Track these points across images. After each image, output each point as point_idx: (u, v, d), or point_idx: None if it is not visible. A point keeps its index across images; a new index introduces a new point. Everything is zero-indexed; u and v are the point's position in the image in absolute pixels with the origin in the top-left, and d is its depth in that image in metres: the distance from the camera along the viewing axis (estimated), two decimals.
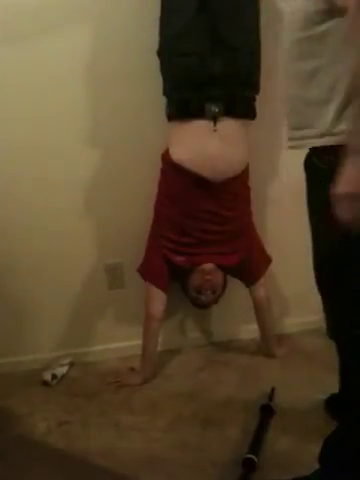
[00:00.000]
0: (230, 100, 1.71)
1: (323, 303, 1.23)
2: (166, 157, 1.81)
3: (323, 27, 1.03)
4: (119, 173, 1.97)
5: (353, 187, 0.96)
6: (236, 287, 2.01)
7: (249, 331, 2.18)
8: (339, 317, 1.19)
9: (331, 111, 1.06)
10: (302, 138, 1.15)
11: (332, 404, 1.73)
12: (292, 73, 1.16)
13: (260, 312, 2.04)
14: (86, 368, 2.11)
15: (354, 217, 0.99)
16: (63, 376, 2.05)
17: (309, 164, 1.18)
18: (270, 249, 2.03)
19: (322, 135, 1.09)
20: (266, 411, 1.74)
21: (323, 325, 2.11)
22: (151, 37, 1.72)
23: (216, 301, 1.95)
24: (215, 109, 1.70)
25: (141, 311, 1.93)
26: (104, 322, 2.16)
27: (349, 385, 1.22)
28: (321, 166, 1.10)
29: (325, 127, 1.08)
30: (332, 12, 1.00)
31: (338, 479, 1.26)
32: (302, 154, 1.87)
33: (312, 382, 1.88)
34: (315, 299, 2.13)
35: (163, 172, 1.85)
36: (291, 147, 1.21)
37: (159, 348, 2.02)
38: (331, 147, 1.05)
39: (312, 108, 1.10)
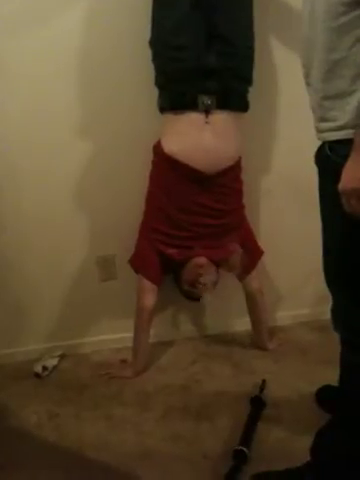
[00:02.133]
0: (223, 93, 1.70)
1: (332, 296, 1.21)
2: (158, 149, 1.79)
3: (345, 19, 1.00)
4: (112, 165, 1.95)
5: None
6: (229, 280, 2.01)
7: (242, 324, 2.17)
8: (345, 310, 1.17)
9: (354, 103, 1.03)
10: (323, 131, 1.12)
11: (323, 397, 1.73)
12: (316, 65, 1.12)
13: (253, 305, 2.03)
14: (77, 360, 2.10)
15: None
16: (54, 368, 2.04)
17: (322, 157, 1.15)
18: (262, 242, 2.02)
19: (342, 128, 1.06)
20: (257, 403, 1.74)
21: (316, 318, 2.21)
22: (144, 27, 1.70)
23: (209, 294, 1.93)
24: (208, 101, 1.68)
25: (133, 303, 1.92)
26: (96, 314, 2.15)
27: (349, 379, 1.22)
28: (336, 159, 1.06)
29: (345, 120, 1.05)
30: (356, 4, 0.97)
31: (330, 471, 1.26)
32: (296, 147, 1.94)
33: (304, 374, 1.89)
34: (308, 292, 2.26)
35: (155, 164, 1.84)
36: (318, 139, 1.17)
37: (151, 340, 2.02)
38: (347, 140, 1.02)
39: (333, 101, 1.08)
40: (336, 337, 1.24)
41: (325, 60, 1.07)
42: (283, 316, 2.28)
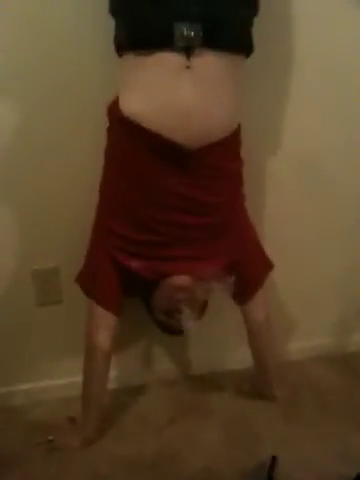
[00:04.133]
0: (213, 21, 1.16)
1: None
2: (114, 110, 1.27)
3: None
4: (48, 138, 1.44)
5: None
6: (220, 299, 1.50)
7: (238, 360, 1.70)
8: None
9: None
10: None
11: None
12: None
13: (255, 339, 1.53)
14: (5, 417, 1.56)
15: None
16: None
17: None
18: (269, 247, 1.51)
19: None
20: None
21: (338, 350, 1.73)
22: None
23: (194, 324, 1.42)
24: (190, 33, 1.15)
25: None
26: (32, 351, 1.66)
27: None
28: None
29: None
30: None
31: None
32: (314, 113, 1.50)
33: (331, 443, 1.39)
34: (327, 314, 1.84)
35: (111, 133, 1.32)
36: None
37: (111, 385, 1.56)
38: None
39: None
40: None
41: None
42: (295, 348, 1.83)
